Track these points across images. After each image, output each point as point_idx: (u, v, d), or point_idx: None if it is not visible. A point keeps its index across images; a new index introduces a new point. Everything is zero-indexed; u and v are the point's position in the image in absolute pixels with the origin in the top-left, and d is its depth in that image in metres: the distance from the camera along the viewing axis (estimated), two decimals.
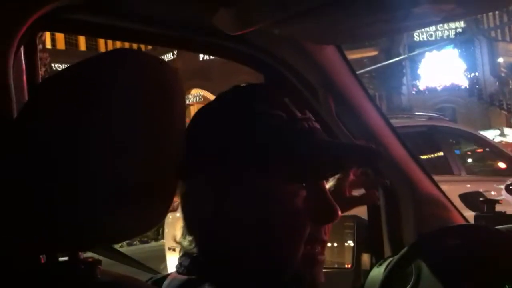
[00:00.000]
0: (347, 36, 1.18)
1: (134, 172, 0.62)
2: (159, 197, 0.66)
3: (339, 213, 0.79)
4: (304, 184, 0.77)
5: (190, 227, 0.81)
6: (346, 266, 1.60)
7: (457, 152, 6.80)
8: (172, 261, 5.87)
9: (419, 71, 29.27)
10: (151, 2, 1.10)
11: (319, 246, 0.80)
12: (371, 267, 1.47)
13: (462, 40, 26.40)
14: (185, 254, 0.82)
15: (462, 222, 1.58)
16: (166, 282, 0.81)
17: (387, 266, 1.31)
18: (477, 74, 28.09)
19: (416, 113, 8.45)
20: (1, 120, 0.79)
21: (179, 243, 0.82)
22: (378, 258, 1.50)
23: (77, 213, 0.61)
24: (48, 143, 0.62)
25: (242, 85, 0.85)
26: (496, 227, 1.37)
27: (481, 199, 1.63)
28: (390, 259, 1.35)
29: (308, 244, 0.78)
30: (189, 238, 0.81)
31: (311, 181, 0.78)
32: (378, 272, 1.37)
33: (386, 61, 20.93)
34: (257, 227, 0.75)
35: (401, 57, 21.63)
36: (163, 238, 11.25)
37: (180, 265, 0.81)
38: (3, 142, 0.68)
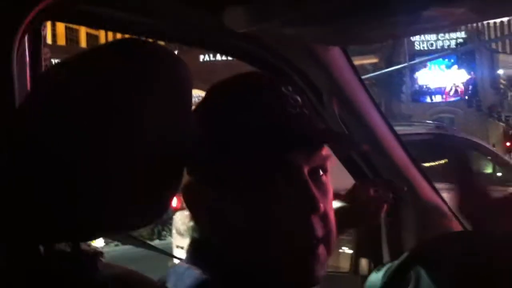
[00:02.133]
0: (355, 38, 1.17)
1: (138, 164, 0.61)
2: (163, 191, 0.65)
3: (319, 205, 0.76)
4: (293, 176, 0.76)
5: (197, 219, 0.80)
6: (343, 270, 1.60)
7: None
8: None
9: (418, 81, 29.33)
10: None
11: (315, 241, 0.79)
12: (369, 272, 1.46)
13: (462, 51, 26.46)
14: (192, 245, 0.81)
15: (461, 229, 1.57)
16: (171, 269, 0.81)
17: (386, 272, 1.30)
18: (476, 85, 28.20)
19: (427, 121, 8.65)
20: (3, 112, 0.78)
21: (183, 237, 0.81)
22: (376, 264, 1.49)
23: (79, 204, 0.60)
24: (48, 135, 0.61)
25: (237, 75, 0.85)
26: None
27: None
28: (389, 264, 1.34)
29: (306, 238, 0.76)
30: (196, 230, 0.80)
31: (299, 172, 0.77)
32: (376, 277, 1.36)
33: (386, 68, 20.97)
34: (265, 220, 0.74)
35: (401, 65, 21.67)
36: (158, 238, 11.28)
37: (188, 256, 0.81)
38: (4, 134, 0.68)
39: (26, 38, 0.92)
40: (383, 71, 20.54)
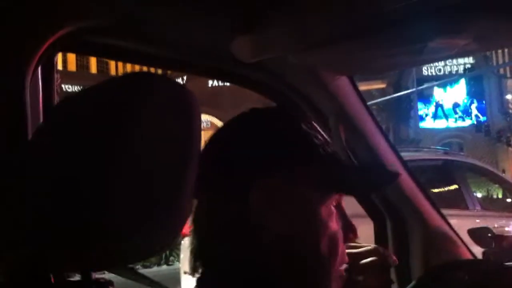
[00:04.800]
0: (362, 67, 1.19)
1: (149, 192, 0.62)
2: (173, 218, 0.66)
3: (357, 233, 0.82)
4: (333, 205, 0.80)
5: (205, 247, 0.81)
6: None
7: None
8: (187, 285, 5.89)
9: (427, 106, 29.31)
10: (167, 28, 1.11)
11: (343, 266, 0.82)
12: None
13: (470, 76, 26.43)
14: (204, 276, 0.82)
15: (470, 257, 1.57)
16: None
17: None
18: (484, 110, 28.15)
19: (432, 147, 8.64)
20: (16, 139, 0.80)
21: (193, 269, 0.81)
22: None
23: (90, 233, 0.61)
24: (62, 164, 0.62)
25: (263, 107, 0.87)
26: (505, 263, 1.36)
27: (489, 234, 1.62)
28: None
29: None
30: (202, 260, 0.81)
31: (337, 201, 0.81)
32: None
33: (394, 94, 21.00)
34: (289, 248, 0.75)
35: (409, 91, 21.69)
36: (166, 263, 11.20)
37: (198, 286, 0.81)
38: (17, 161, 0.69)
39: (39, 68, 0.94)
40: (391, 96, 20.57)
